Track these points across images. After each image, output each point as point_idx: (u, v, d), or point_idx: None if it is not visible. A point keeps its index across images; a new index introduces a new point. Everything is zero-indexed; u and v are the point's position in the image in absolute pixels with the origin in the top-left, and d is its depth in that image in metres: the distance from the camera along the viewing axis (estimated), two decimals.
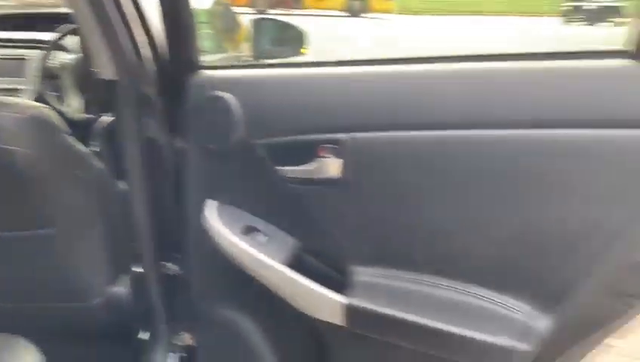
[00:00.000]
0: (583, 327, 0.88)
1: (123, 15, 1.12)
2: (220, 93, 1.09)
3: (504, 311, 0.93)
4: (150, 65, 1.16)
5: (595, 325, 0.89)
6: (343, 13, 24.44)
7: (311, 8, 24.70)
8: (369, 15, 24.46)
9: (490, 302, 0.95)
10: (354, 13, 24.90)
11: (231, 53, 2.49)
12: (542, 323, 0.91)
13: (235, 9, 2.84)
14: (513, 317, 0.93)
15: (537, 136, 0.89)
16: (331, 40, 14.10)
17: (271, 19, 2.37)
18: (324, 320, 1.05)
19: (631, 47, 0.87)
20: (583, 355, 0.96)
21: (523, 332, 0.92)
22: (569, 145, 0.86)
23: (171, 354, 1.36)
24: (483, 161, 0.93)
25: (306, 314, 1.08)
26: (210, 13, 2.60)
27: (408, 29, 19.90)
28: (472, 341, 0.92)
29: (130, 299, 1.39)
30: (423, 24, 22.69)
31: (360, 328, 1.03)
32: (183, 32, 1.16)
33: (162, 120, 1.18)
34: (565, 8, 17.51)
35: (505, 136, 0.91)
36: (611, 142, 0.85)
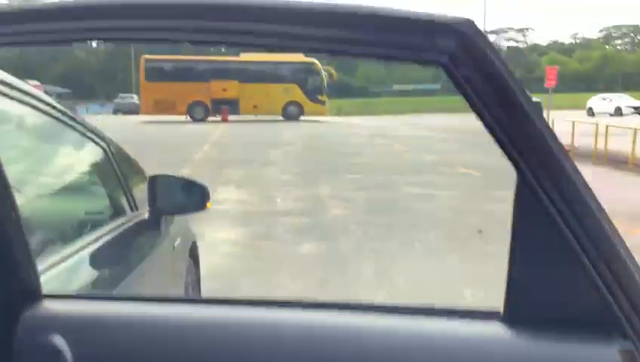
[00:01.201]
0: None
1: None
2: (52, 340, 0.94)
3: None
4: None
5: None
6: (279, 118, 25.30)
7: (249, 114, 25.48)
8: (306, 118, 25.36)
9: None
10: (291, 117, 25.82)
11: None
12: None
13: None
14: None
15: None
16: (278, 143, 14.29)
17: (169, 176, 2.27)
18: None
19: (501, 309, 0.79)
20: None
21: None
22: None
23: None
24: None
25: None
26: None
27: (348, 127, 20.89)
28: None
29: None
30: (357, 122, 23.76)
31: None
32: (15, 257, 1.03)
33: None
34: None
35: None
36: None
